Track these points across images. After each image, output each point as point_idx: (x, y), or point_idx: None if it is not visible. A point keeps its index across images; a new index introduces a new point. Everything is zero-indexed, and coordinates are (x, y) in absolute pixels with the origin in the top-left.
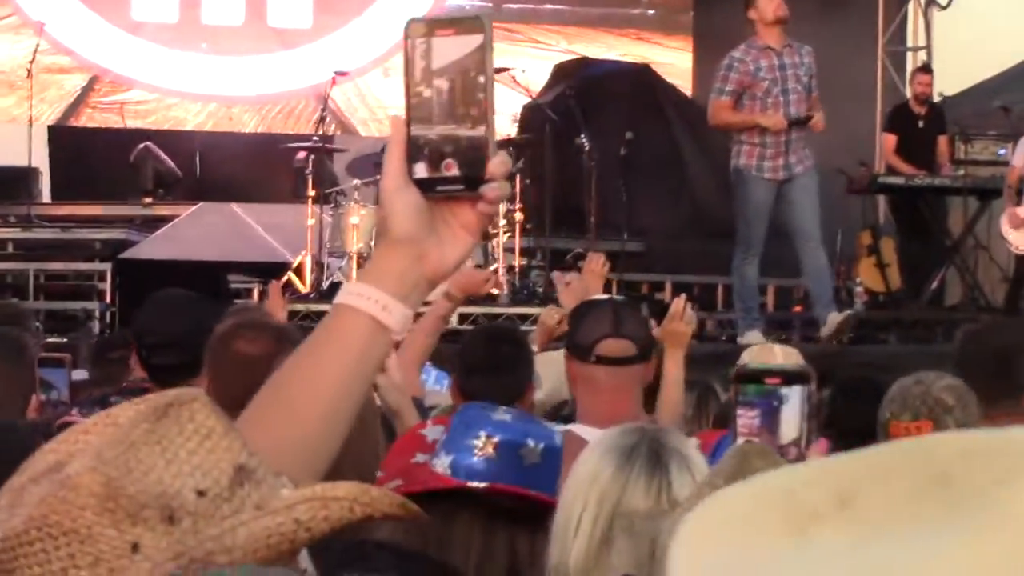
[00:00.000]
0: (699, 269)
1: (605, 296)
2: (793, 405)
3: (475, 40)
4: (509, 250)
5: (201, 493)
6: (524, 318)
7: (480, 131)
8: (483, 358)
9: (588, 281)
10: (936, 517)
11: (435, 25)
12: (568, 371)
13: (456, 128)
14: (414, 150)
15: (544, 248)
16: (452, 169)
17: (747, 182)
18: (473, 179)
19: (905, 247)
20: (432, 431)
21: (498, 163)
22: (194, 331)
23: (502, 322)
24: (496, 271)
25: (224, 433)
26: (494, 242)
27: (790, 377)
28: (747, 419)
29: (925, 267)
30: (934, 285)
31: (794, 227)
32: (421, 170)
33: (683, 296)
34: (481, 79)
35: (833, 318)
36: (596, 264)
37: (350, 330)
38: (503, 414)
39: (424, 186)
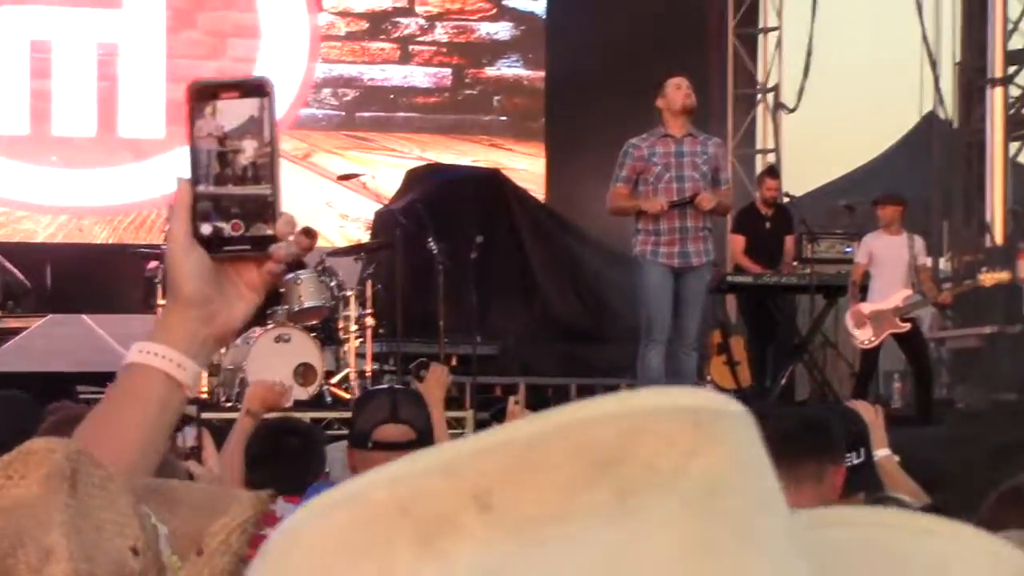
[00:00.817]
0: (552, 371)
1: (386, 386)
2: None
3: (259, 102)
4: (361, 355)
5: (135, 551)
6: None
7: (266, 190)
8: (267, 450)
9: (430, 390)
10: (600, 509)
11: (219, 88)
12: (349, 462)
13: (242, 188)
14: (200, 210)
15: (396, 353)
16: (239, 229)
17: (643, 268)
18: (260, 239)
19: (754, 345)
20: (282, 507)
21: (284, 223)
22: (14, 431)
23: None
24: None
25: (112, 474)
26: (346, 347)
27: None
28: None
29: (774, 364)
30: (783, 382)
31: (674, 319)
32: (207, 230)
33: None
34: (266, 140)
35: None
36: (439, 374)
37: (147, 387)
38: None
39: (211, 246)
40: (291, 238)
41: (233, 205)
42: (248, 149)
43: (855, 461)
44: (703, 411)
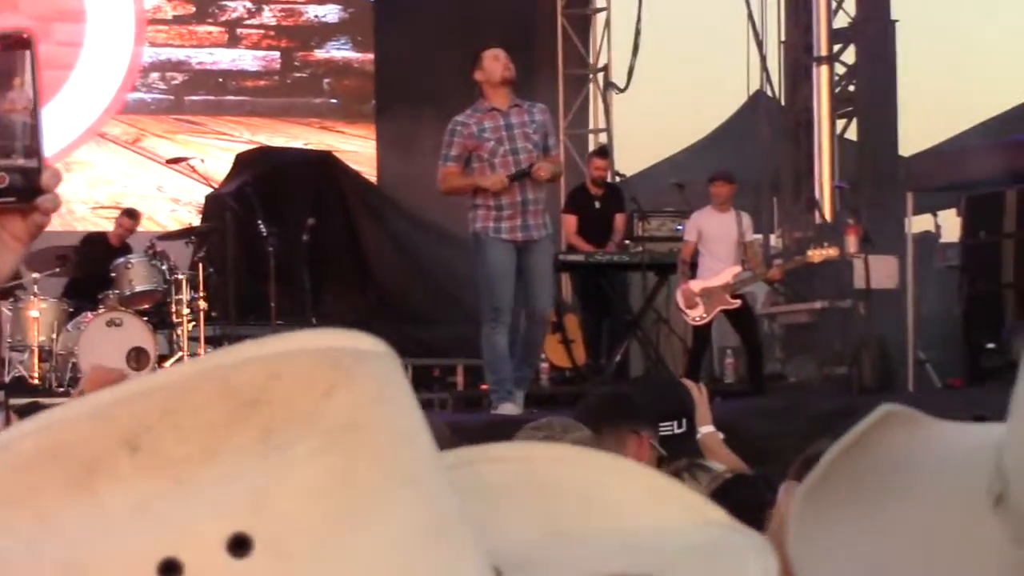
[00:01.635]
0: None
1: None
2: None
3: (21, 55)
4: (194, 339)
5: None
6: None
7: (32, 143)
8: None
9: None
10: (246, 447)
11: None
12: None
13: (5, 141)
14: None
15: (230, 336)
16: (4, 182)
17: (485, 245)
18: (26, 190)
19: (589, 323)
20: None
21: (50, 175)
22: None
23: None
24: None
25: None
26: (179, 331)
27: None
28: None
29: (609, 342)
30: (617, 359)
31: (523, 295)
32: None
33: None
34: (28, 91)
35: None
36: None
37: None
38: None
39: None
40: (56, 190)
41: None
42: (10, 103)
43: (676, 431)
44: (342, 351)
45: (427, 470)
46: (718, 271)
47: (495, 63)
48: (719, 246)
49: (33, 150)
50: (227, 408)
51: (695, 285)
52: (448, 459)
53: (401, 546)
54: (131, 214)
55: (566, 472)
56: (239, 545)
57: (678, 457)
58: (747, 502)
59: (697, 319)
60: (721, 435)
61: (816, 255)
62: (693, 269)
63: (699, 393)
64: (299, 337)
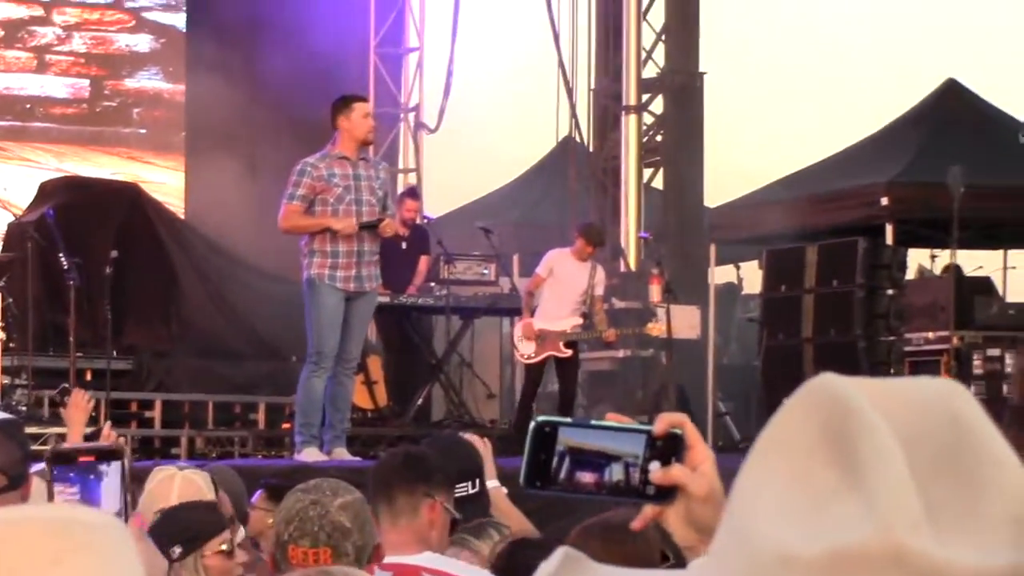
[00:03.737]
0: (188, 387)
1: None
2: (112, 480)
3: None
4: None
5: None
6: None
7: None
8: None
9: (71, 415)
10: None
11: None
12: None
13: None
14: None
15: (27, 367)
16: None
17: (318, 291)
18: None
19: (392, 365)
20: None
21: None
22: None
23: None
24: None
25: None
26: None
27: (104, 454)
28: (68, 495)
29: (411, 384)
30: (420, 401)
31: (341, 343)
32: None
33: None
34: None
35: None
36: (79, 399)
37: None
38: None
39: None
40: None
41: None
42: None
43: (470, 491)
44: (69, 522)
45: None
46: (559, 316)
47: (364, 121)
48: (567, 291)
49: None
50: None
51: (537, 323)
52: None
53: None
54: None
55: None
56: None
57: (472, 517)
58: (531, 567)
59: (527, 356)
60: (505, 490)
61: (654, 329)
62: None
63: (484, 447)
64: (30, 508)
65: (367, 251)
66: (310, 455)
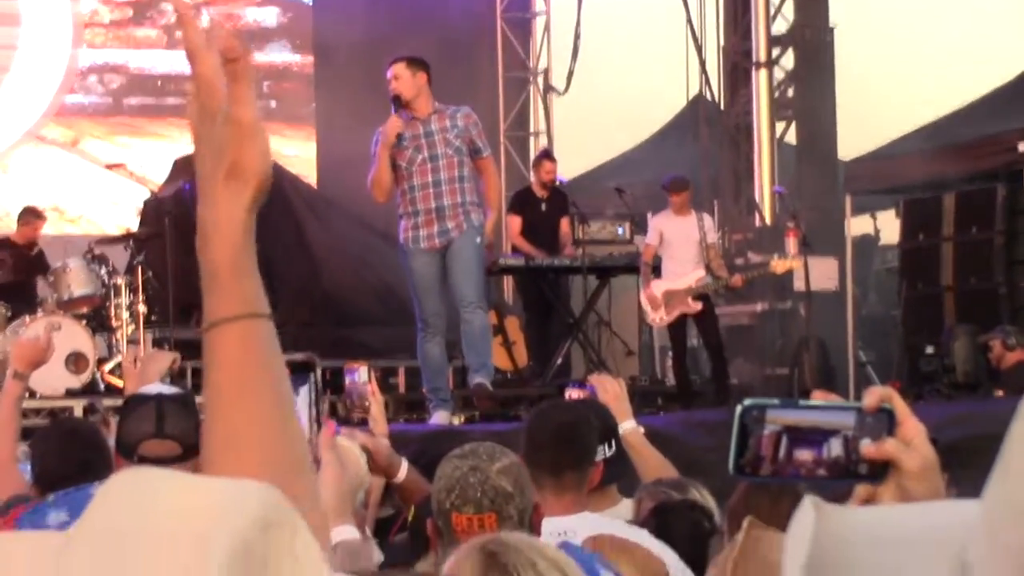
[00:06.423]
0: (331, 355)
1: (153, 390)
2: (302, 397)
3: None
4: (133, 342)
5: None
6: None
7: None
8: (58, 464)
9: (148, 367)
10: None
11: None
12: (116, 467)
13: None
14: None
15: (170, 340)
16: None
17: (408, 256)
18: None
19: (530, 325)
20: None
21: None
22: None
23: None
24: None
25: None
26: (118, 334)
27: (297, 367)
28: None
29: (550, 344)
30: (559, 361)
31: (452, 292)
32: None
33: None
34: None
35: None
36: (159, 358)
37: None
38: None
39: None
40: None
41: None
42: None
43: (608, 454)
44: None
45: None
46: (681, 274)
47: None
48: (680, 249)
49: None
50: None
51: (657, 288)
52: None
53: None
54: (36, 213)
55: None
56: None
57: (614, 480)
58: (686, 533)
59: (658, 320)
60: (642, 430)
61: (779, 265)
62: (655, 271)
63: (619, 388)
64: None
65: (448, 205)
66: (441, 417)
